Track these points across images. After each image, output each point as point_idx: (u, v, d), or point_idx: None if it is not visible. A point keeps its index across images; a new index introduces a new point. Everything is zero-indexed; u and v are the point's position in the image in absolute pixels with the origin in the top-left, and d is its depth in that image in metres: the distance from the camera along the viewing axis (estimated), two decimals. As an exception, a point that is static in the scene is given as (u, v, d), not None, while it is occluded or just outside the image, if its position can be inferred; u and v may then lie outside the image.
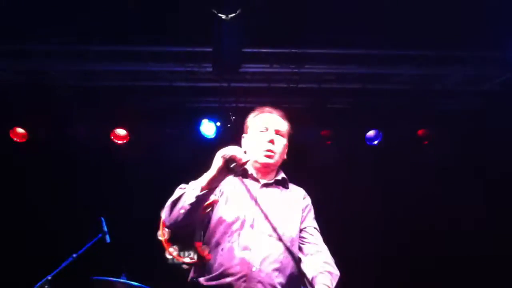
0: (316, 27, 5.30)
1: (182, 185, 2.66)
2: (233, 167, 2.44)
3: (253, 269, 2.58)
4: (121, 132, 6.36)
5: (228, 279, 2.57)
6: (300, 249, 2.82)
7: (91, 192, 6.28)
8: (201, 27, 4.98)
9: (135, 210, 6.14)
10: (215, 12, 4.54)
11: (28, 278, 4.02)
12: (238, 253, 2.61)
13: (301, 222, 2.88)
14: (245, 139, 2.99)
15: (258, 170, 2.91)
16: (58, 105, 6.41)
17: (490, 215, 6.42)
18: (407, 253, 6.49)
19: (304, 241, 2.84)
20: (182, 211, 2.50)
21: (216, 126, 6.22)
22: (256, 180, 2.90)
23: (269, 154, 2.85)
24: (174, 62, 5.93)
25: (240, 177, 2.85)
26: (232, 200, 2.73)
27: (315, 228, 2.91)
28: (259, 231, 2.66)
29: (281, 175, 2.99)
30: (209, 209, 2.67)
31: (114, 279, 4.24)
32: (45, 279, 3.90)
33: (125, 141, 6.37)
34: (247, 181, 2.87)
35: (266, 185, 2.89)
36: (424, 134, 6.53)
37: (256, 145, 2.89)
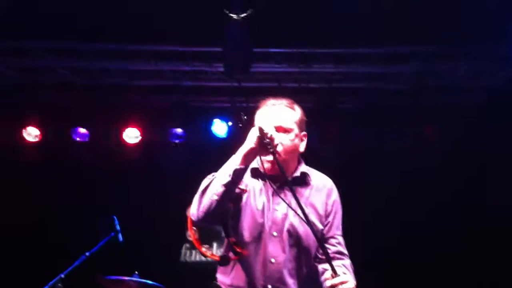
0: (325, 27, 5.30)
1: (209, 176, 2.51)
2: (267, 143, 2.35)
3: (269, 283, 2.50)
4: (132, 131, 6.39)
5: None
6: (320, 259, 2.60)
7: (104, 191, 6.32)
8: (212, 27, 5.00)
9: (148, 209, 6.18)
10: (226, 12, 4.55)
11: (42, 276, 4.06)
12: (262, 263, 2.51)
13: (325, 228, 2.64)
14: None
15: (269, 170, 2.53)
16: (66, 105, 6.46)
17: (490, 210, 6.42)
18: (409, 252, 6.47)
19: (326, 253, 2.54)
20: (215, 197, 2.36)
21: (228, 125, 6.24)
22: (272, 180, 2.55)
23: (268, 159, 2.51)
24: (185, 62, 5.97)
25: (253, 178, 2.61)
26: (252, 204, 2.56)
27: (339, 235, 2.69)
28: (279, 239, 2.53)
29: (300, 169, 2.67)
30: (239, 201, 2.53)
31: (127, 278, 4.27)
32: (58, 277, 3.93)
33: (137, 141, 6.40)
34: (261, 183, 2.62)
35: (284, 185, 2.55)
36: (431, 131, 6.50)
37: None
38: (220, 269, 2.64)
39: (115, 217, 4.43)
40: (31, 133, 6.32)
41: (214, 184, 2.39)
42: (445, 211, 6.59)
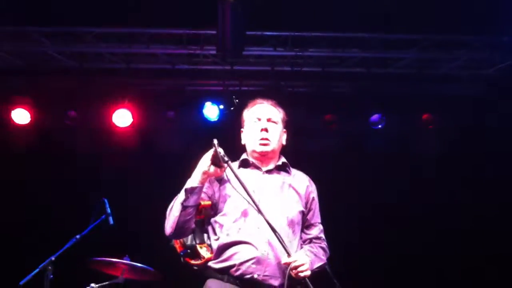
0: (321, 10, 5.26)
1: (178, 195, 2.77)
2: (220, 158, 2.60)
3: (263, 253, 2.68)
4: (123, 115, 6.34)
5: (238, 262, 2.68)
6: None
7: (95, 174, 6.29)
8: (205, 9, 4.94)
9: (138, 192, 6.17)
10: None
11: (32, 259, 4.05)
12: (246, 238, 2.71)
13: (309, 214, 3.01)
14: (243, 133, 3.11)
15: (257, 159, 2.99)
16: (58, 88, 6.40)
17: (489, 201, 6.43)
18: (407, 244, 6.48)
19: (304, 237, 3.00)
20: (177, 214, 2.66)
21: (220, 109, 6.21)
22: (258, 168, 2.99)
23: (264, 142, 2.93)
24: (177, 45, 5.92)
25: (242, 167, 2.99)
26: (235, 190, 2.77)
27: (319, 223, 3.07)
28: (265, 215, 2.67)
29: (282, 160, 3.07)
30: (207, 212, 2.81)
31: (117, 260, 4.28)
32: (48, 260, 3.92)
33: (127, 124, 6.35)
34: (249, 170, 2.99)
35: (268, 172, 2.98)
36: (428, 119, 6.49)
37: (251, 135, 2.99)
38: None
39: (105, 200, 4.42)
40: (21, 116, 6.24)
41: (176, 204, 2.70)
42: (444, 200, 6.60)
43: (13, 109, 6.21)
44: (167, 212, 2.73)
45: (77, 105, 6.31)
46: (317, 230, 3.02)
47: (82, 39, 5.82)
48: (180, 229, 2.68)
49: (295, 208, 2.89)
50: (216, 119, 6.21)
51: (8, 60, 6.10)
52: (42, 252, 4.03)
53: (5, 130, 6.28)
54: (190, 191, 2.64)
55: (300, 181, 3.04)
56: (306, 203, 2.99)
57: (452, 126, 6.49)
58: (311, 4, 5.18)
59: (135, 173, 6.35)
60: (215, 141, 2.63)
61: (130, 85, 6.40)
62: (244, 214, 2.75)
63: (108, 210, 4.38)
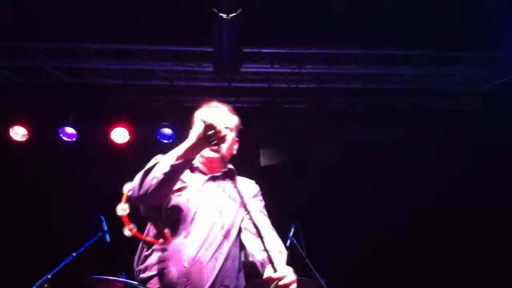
0: (317, 27, 5.31)
1: (159, 156, 2.60)
2: (211, 135, 2.35)
3: (186, 265, 2.54)
4: (120, 131, 6.34)
5: (161, 272, 2.56)
6: (246, 236, 2.72)
7: (91, 190, 6.27)
8: (202, 27, 4.98)
9: (136, 209, 6.13)
10: (216, 11, 4.54)
11: (28, 276, 4.02)
12: (173, 248, 2.58)
13: (247, 210, 2.72)
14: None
15: (204, 164, 2.81)
16: (56, 104, 6.41)
17: (487, 214, 6.44)
18: (405, 249, 6.49)
19: (249, 228, 2.72)
20: (155, 181, 2.43)
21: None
22: (203, 173, 2.81)
23: (214, 148, 2.67)
24: (175, 61, 5.94)
25: (188, 170, 2.74)
26: (186, 200, 2.64)
27: (260, 211, 2.81)
28: (201, 223, 2.59)
29: (229, 166, 2.90)
30: (178, 194, 2.62)
31: (114, 278, 4.24)
32: (45, 278, 3.90)
33: (125, 140, 6.35)
34: (194, 175, 2.79)
35: (213, 178, 2.80)
36: (423, 129, 6.52)
37: None
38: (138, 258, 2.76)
39: (102, 217, 4.40)
40: (19, 132, 6.24)
41: (156, 169, 2.45)
42: (440, 212, 6.63)
43: (11, 125, 6.21)
44: (142, 173, 2.51)
45: (74, 121, 6.31)
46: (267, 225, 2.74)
47: (80, 55, 5.85)
48: (151, 196, 2.45)
49: (234, 215, 2.72)
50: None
51: (6, 76, 6.10)
52: (38, 270, 4.00)
53: (2, 146, 6.27)
54: (178, 167, 2.41)
55: (243, 186, 2.83)
56: (248, 205, 2.74)
57: (451, 142, 6.50)
58: (307, 21, 5.23)
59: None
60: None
61: (129, 101, 6.41)
62: (178, 224, 2.61)
63: (105, 228, 4.37)
